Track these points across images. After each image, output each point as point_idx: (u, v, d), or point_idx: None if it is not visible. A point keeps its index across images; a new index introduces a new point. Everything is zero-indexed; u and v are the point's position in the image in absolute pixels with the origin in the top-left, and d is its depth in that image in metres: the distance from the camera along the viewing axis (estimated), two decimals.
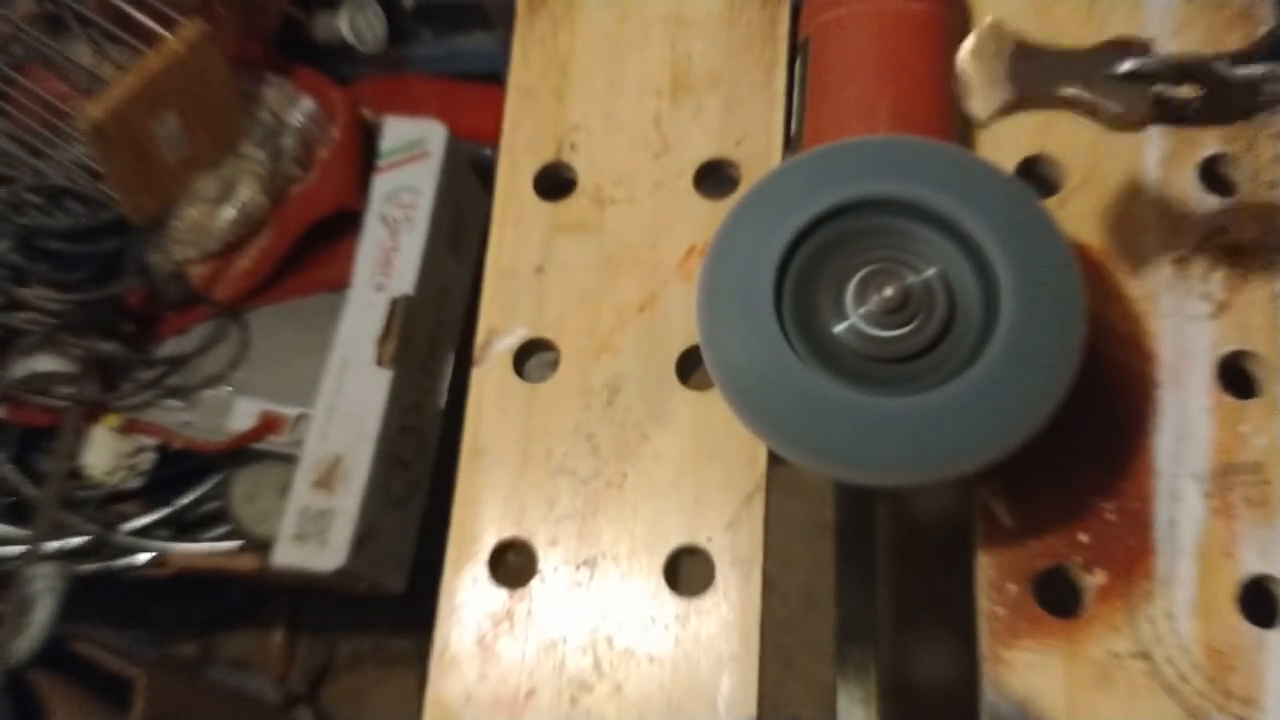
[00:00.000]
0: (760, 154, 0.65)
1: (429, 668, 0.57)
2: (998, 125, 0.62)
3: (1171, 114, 0.48)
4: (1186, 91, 0.48)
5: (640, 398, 0.61)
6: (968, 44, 0.47)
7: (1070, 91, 0.47)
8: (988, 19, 0.48)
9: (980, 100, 0.47)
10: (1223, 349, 0.58)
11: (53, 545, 1.09)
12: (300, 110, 1.16)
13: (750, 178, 0.64)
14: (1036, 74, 0.47)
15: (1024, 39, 0.47)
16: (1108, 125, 0.48)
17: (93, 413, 1.12)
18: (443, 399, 1.18)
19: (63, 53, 1.09)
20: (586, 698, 0.56)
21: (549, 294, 0.63)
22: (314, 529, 1.01)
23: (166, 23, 1.05)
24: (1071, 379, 0.49)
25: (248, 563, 1.10)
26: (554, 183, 0.66)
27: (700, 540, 0.58)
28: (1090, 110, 0.48)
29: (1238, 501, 0.55)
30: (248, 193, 1.12)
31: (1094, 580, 0.55)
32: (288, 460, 1.06)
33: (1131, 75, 0.47)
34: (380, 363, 1.06)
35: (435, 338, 1.15)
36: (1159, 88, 0.48)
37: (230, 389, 1.13)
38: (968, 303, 0.51)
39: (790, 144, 0.63)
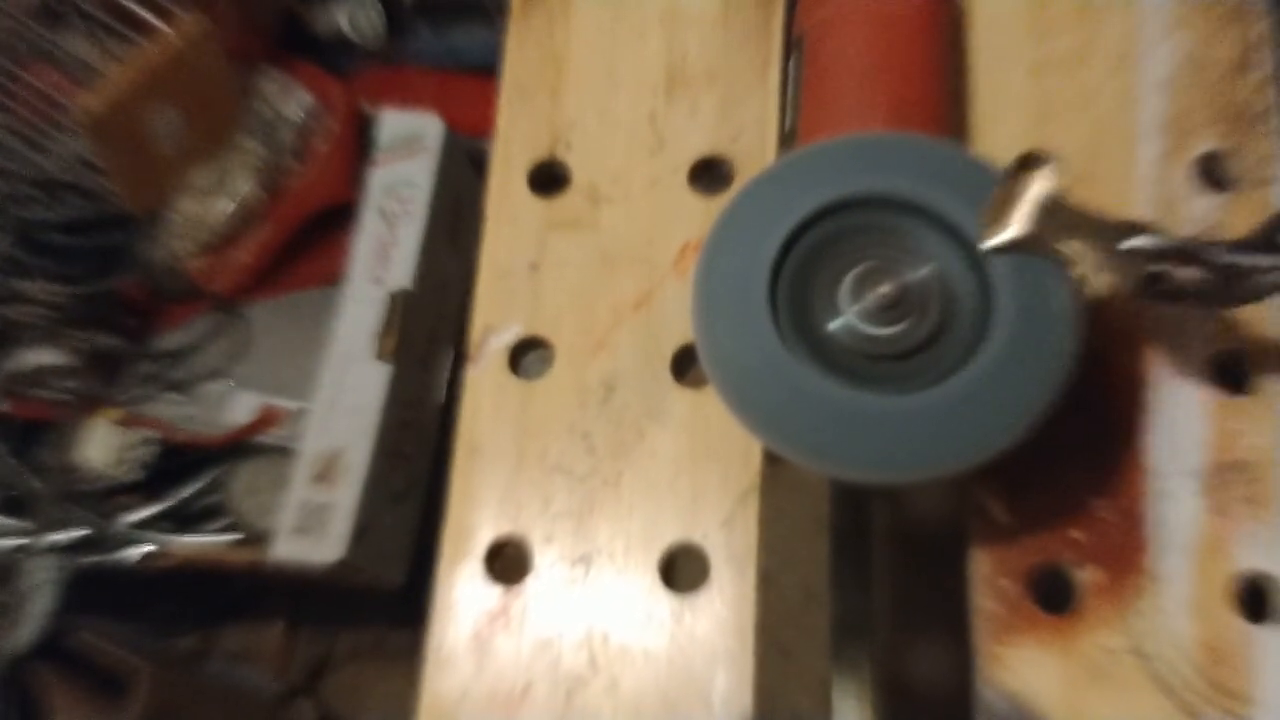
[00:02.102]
0: (755, 151, 0.65)
1: (424, 664, 0.58)
2: (994, 122, 0.63)
3: (1169, 293, 0.50)
4: (1187, 274, 0.49)
5: (636, 395, 0.61)
6: (1005, 178, 0.50)
7: (1074, 246, 0.49)
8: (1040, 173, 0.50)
9: (990, 232, 0.49)
10: (1217, 346, 0.58)
11: (52, 538, 1.10)
12: (298, 103, 1.16)
13: (745, 175, 0.64)
14: (1053, 222, 0.49)
15: (1062, 195, 0.50)
16: (1100, 291, 0.51)
17: (92, 406, 1.12)
18: (442, 393, 1.18)
19: (62, 46, 1.09)
20: (582, 694, 0.56)
21: (544, 291, 0.63)
22: (313, 522, 1.01)
23: (165, 16, 1.05)
24: (1067, 378, 0.49)
25: (247, 556, 1.11)
26: (548, 179, 0.66)
27: (696, 537, 0.58)
28: (1088, 270, 0.49)
29: (1231, 499, 0.55)
30: (245, 186, 1.12)
31: (1088, 577, 0.55)
32: (287, 454, 1.07)
33: (1131, 252, 0.49)
34: (379, 357, 1.06)
35: (434, 332, 1.15)
36: (1159, 268, 0.49)
37: (230, 383, 1.13)
38: (963, 300, 0.51)
39: (785, 140, 0.63)
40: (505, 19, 0.70)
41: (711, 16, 0.68)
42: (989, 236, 0.49)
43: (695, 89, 0.66)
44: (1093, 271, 0.49)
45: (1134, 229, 0.49)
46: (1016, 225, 0.49)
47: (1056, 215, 0.49)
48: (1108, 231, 0.49)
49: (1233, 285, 0.49)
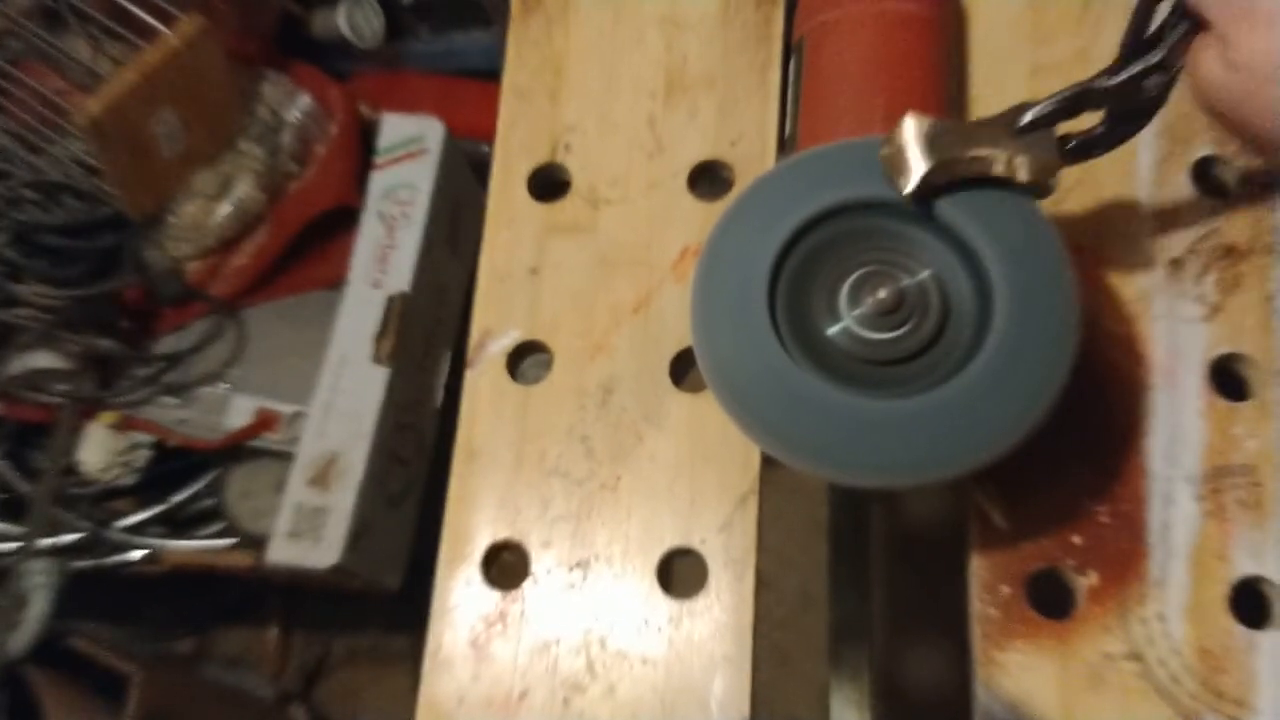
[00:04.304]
0: (754, 155, 0.65)
1: (422, 669, 0.57)
2: None
3: (1082, 148, 0.51)
4: (1088, 121, 0.51)
5: (634, 399, 0.61)
6: (886, 138, 0.51)
7: (982, 152, 0.50)
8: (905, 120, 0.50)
9: (902, 179, 0.50)
10: (1215, 351, 0.58)
11: (48, 541, 1.09)
12: (298, 106, 1.16)
13: (744, 179, 0.64)
14: (949, 145, 0.50)
15: (937, 121, 0.50)
16: (1028, 178, 0.50)
17: (89, 409, 1.12)
18: (440, 397, 1.18)
19: (61, 48, 1.09)
20: (579, 699, 0.56)
21: (543, 295, 0.63)
22: (309, 526, 1.01)
23: (165, 18, 1.05)
24: (1065, 382, 0.49)
25: (243, 560, 1.10)
26: (548, 184, 0.66)
27: (694, 542, 0.58)
28: (1007, 167, 0.50)
29: (1230, 504, 0.56)
30: (245, 189, 1.12)
31: (1087, 582, 0.55)
32: (284, 457, 1.06)
33: (1032, 125, 0.50)
34: (377, 360, 1.06)
35: (433, 335, 1.15)
36: (1062, 130, 0.51)
37: (227, 386, 1.13)
38: (962, 305, 0.51)
39: (785, 145, 0.63)
40: (505, 23, 0.70)
41: (711, 21, 0.68)
42: (904, 187, 0.50)
43: (694, 93, 0.66)
44: (1013, 167, 0.50)
45: (1020, 109, 0.50)
46: (917, 165, 0.49)
47: (945, 138, 0.49)
48: (999, 125, 0.50)
49: (1131, 102, 0.50)
